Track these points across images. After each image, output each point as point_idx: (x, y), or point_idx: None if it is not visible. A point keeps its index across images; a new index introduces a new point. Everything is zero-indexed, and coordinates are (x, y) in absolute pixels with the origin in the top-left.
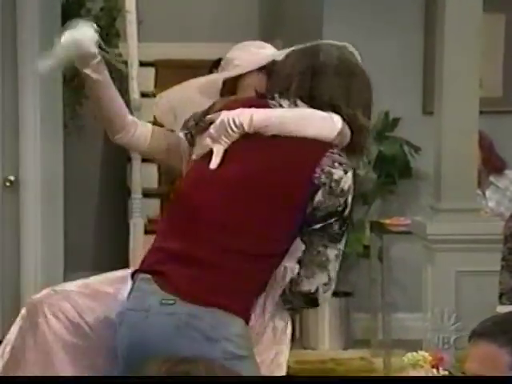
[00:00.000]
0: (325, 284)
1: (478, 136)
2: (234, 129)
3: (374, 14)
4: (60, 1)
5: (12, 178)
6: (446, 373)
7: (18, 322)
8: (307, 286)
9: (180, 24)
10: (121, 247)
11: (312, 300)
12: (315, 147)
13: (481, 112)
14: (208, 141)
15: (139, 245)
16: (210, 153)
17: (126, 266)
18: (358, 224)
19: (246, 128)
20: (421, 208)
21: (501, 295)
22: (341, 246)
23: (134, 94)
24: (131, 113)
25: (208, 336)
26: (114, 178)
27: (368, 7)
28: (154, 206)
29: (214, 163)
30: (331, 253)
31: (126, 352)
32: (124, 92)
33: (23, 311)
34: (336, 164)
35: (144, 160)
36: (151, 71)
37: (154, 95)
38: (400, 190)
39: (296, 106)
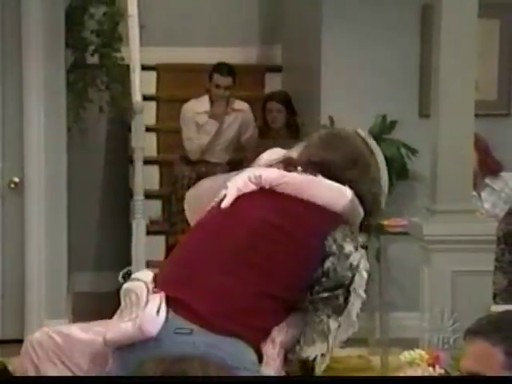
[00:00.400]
0: (322, 354)
1: (474, 138)
2: (253, 179)
3: (371, 19)
4: (63, 6)
5: (17, 179)
6: (443, 371)
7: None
8: (306, 353)
9: (181, 29)
10: (123, 247)
11: (309, 369)
12: (329, 215)
13: (476, 115)
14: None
15: (141, 245)
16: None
17: (128, 265)
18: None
19: (263, 181)
20: (417, 209)
21: (495, 295)
22: (342, 318)
23: (136, 97)
24: (133, 116)
25: (229, 366)
26: (117, 179)
27: (366, 12)
28: (155, 208)
29: (226, 204)
30: (333, 324)
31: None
32: (126, 95)
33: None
34: (348, 239)
35: (146, 162)
36: (153, 75)
37: (155, 98)
38: (397, 192)
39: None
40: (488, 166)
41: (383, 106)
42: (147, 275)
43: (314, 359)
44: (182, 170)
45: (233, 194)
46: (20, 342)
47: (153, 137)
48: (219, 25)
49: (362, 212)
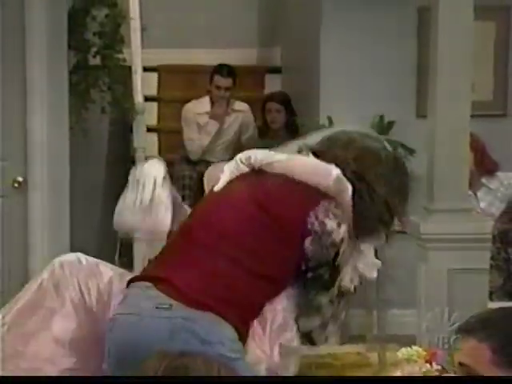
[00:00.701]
0: (319, 326)
1: (471, 139)
2: (243, 160)
3: (369, 21)
4: (66, 8)
5: (20, 179)
6: (440, 367)
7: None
8: (303, 327)
9: (182, 31)
10: (125, 246)
11: (309, 339)
12: (313, 193)
13: (472, 115)
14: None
15: (142, 244)
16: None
17: (129, 263)
18: None
19: (253, 161)
20: (415, 208)
21: (491, 293)
22: (334, 290)
23: (138, 98)
24: (135, 116)
25: (203, 339)
26: (119, 179)
27: (364, 15)
28: None
29: (218, 187)
30: (324, 299)
31: (118, 355)
32: (128, 96)
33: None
34: (330, 215)
35: None
36: (154, 76)
37: (156, 99)
38: None
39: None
40: (484, 165)
41: (381, 106)
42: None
43: (311, 332)
44: (182, 169)
45: (226, 177)
46: None
47: (154, 137)
48: (220, 27)
49: (349, 191)
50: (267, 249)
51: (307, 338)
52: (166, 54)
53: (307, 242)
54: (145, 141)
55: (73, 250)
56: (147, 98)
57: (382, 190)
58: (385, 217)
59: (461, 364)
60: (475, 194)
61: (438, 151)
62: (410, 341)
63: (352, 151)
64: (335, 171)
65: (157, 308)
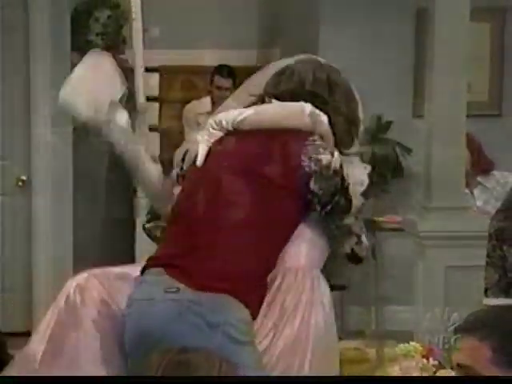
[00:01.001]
0: (356, 243)
1: (467, 138)
2: (215, 126)
3: (367, 24)
4: (69, 10)
5: (24, 177)
6: (436, 363)
7: (58, 305)
8: (344, 250)
9: (183, 32)
10: (127, 243)
11: (354, 257)
12: (296, 136)
13: (468, 115)
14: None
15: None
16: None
17: (132, 260)
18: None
19: (224, 123)
20: (412, 206)
21: (486, 290)
22: (353, 209)
23: (140, 98)
24: (137, 116)
25: (208, 321)
26: (121, 177)
27: (362, 18)
28: None
29: (200, 161)
30: (349, 220)
31: (133, 342)
32: (130, 96)
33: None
34: (321, 150)
35: None
36: (156, 76)
37: (158, 99)
38: (392, 190)
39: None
40: (480, 164)
41: (379, 106)
42: None
43: (352, 251)
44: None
45: (203, 149)
46: (28, 334)
47: (156, 136)
48: (220, 29)
49: (325, 119)
50: (273, 210)
51: (353, 257)
52: (167, 54)
53: (311, 184)
54: (147, 140)
55: (75, 247)
56: (149, 98)
57: (342, 104)
58: (354, 121)
59: (459, 365)
60: (471, 193)
61: (434, 150)
62: (407, 337)
63: (308, 84)
64: (307, 107)
65: (165, 292)
